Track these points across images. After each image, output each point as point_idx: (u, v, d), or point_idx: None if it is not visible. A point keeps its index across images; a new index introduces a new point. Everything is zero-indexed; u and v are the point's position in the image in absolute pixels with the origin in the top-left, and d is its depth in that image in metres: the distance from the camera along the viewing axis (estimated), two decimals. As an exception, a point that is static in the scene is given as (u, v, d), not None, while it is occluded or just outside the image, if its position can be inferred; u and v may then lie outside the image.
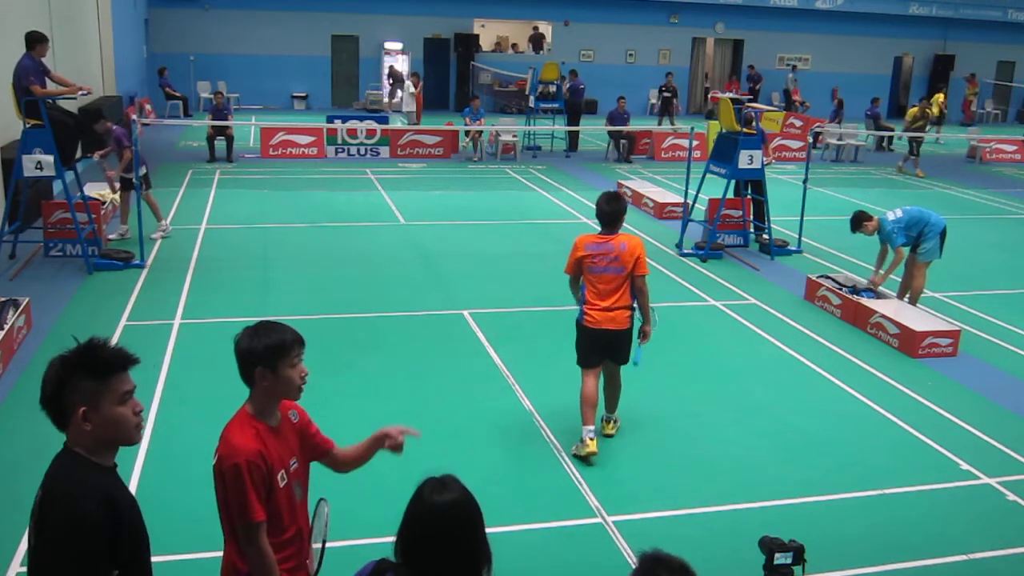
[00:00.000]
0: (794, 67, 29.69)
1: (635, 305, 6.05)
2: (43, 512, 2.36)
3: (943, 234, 9.19)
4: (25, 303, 7.95)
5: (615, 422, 6.45)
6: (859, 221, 9.29)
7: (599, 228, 6.09)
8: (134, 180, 10.75)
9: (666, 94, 25.68)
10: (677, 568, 2.30)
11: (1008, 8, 32.53)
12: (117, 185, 11.61)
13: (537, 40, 30.84)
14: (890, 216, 9.20)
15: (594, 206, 6.15)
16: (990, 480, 5.96)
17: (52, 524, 2.33)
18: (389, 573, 2.57)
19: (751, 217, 12.36)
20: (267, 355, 2.99)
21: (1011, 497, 5.77)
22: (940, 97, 25.28)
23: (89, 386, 2.39)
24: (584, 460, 5.98)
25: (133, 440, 2.53)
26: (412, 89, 23.73)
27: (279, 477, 3.00)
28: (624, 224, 6.18)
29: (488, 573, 2.55)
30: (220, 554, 3.16)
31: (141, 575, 2.55)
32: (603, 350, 6.10)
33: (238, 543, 2.99)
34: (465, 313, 8.89)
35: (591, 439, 5.95)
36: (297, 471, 3.15)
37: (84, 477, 2.39)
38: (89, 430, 2.40)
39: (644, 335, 6.08)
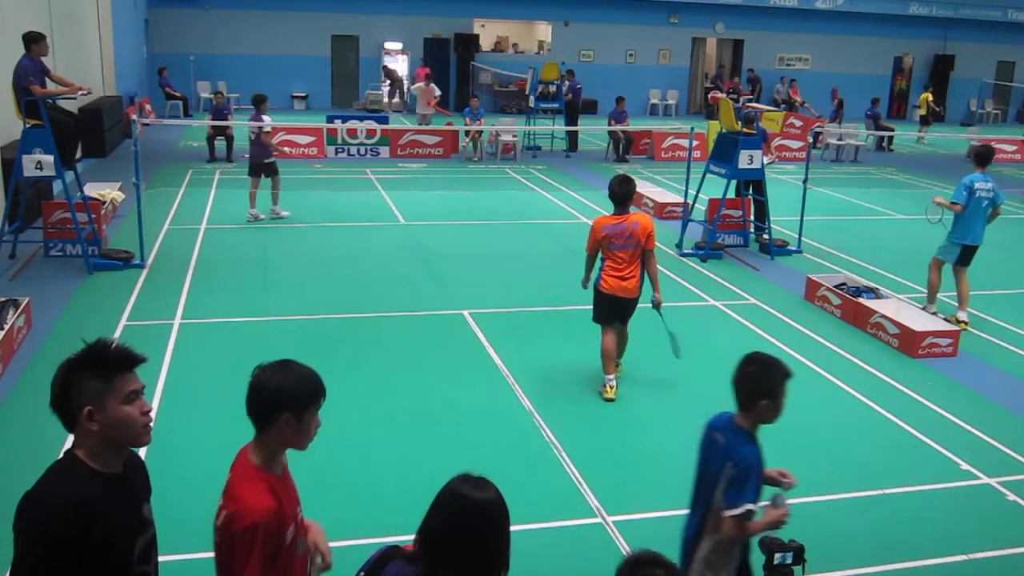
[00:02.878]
0: (782, 79, 29.64)
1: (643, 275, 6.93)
2: (18, 510, 2.36)
3: (966, 248, 9.16)
4: (25, 303, 7.95)
5: (619, 366, 7.34)
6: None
7: (612, 209, 6.93)
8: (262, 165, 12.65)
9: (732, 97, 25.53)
10: (649, 562, 2.32)
11: (1008, 8, 32.53)
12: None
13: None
14: (976, 175, 9.31)
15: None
16: (990, 480, 5.96)
17: (18, 525, 2.34)
18: (397, 561, 2.58)
19: (751, 217, 12.36)
20: (300, 401, 2.71)
21: (1011, 497, 5.77)
22: (928, 96, 25.41)
23: (95, 386, 2.37)
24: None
25: (140, 441, 2.46)
26: (423, 87, 23.43)
27: (288, 533, 2.71)
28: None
29: None
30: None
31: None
32: (615, 312, 7.01)
33: None
34: (465, 313, 8.89)
35: (612, 387, 7.00)
36: (300, 521, 2.87)
37: (65, 483, 2.36)
38: (95, 430, 2.38)
39: (656, 304, 7.01)
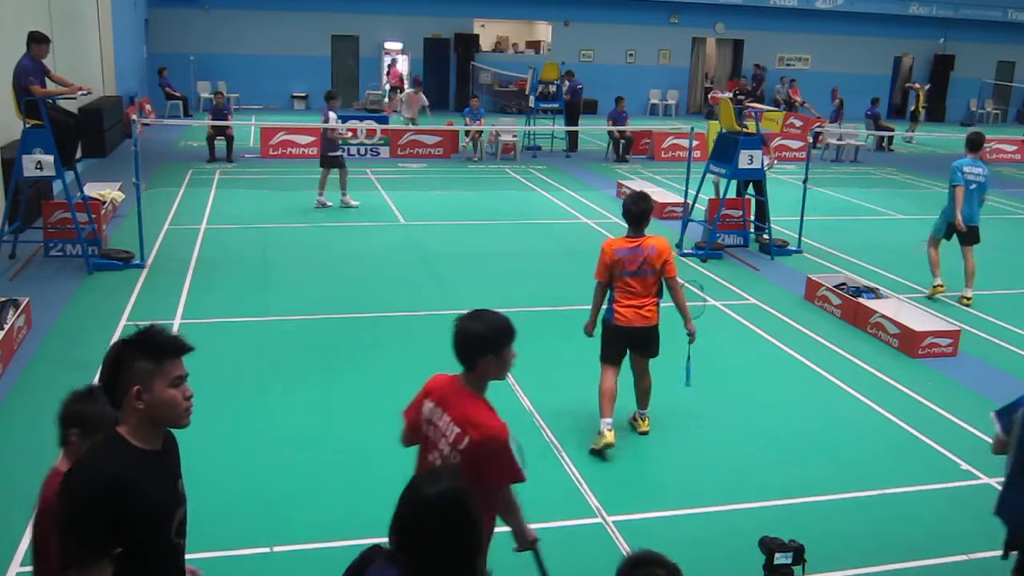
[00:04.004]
0: (782, 79, 29.66)
1: (660, 301, 6.18)
2: (61, 484, 2.49)
3: (951, 225, 9.83)
4: (25, 303, 7.95)
5: (648, 419, 6.48)
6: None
7: (625, 230, 6.17)
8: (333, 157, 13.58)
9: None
10: (650, 562, 2.33)
11: (1008, 8, 32.53)
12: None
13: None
14: (966, 160, 9.93)
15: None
16: (990, 480, 5.95)
17: (63, 495, 2.46)
18: (379, 560, 2.60)
19: (751, 217, 12.36)
20: (498, 343, 3.33)
21: (1011, 497, 5.76)
22: (920, 93, 25.58)
23: (145, 367, 2.52)
24: (600, 454, 6.06)
25: (181, 423, 2.62)
26: (411, 90, 23.62)
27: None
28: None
29: (482, 564, 2.57)
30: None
31: (156, 554, 2.58)
32: (630, 346, 6.22)
33: (498, 499, 3.34)
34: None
35: (608, 430, 6.06)
36: None
37: (108, 460, 2.49)
38: (141, 409, 2.52)
39: (690, 335, 6.17)
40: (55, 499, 2.63)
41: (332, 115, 13.92)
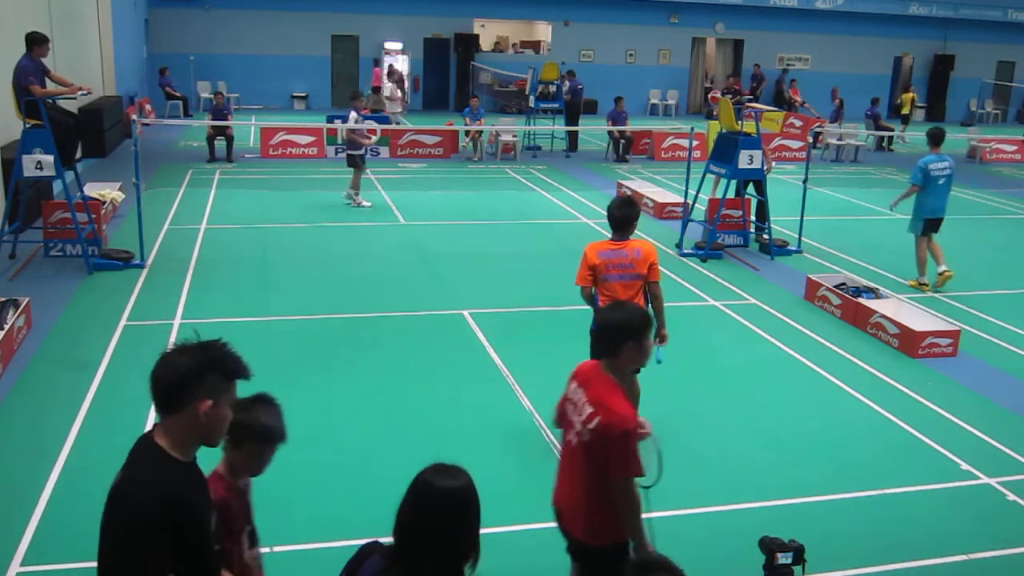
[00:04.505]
0: (787, 79, 29.72)
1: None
2: (112, 503, 2.46)
3: (928, 221, 10.28)
4: (25, 303, 7.95)
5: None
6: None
7: (610, 234, 5.96)
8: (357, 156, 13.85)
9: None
10: (657, 566, 2.33)
11: (1008, 8, 32.52)
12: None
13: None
14: (931, 156, 10.25)
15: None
16: (990, 480, 5.96)
17: (117, 516, 2.43)
18: (375, 555, 2.61)
19: (751, 217, 12.36)
20: (638, 331, 3.53)
21: (1011, 497, 5.77)
22: (911, 96, 25.68)
23: (219, 383, 2.51)
24: None
25: (217, 442, 2.63)
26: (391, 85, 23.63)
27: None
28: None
29: (472, 569, 2.57)
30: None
31: (206, 567, 2.60)
32: None
33: (616, 491, 3.43)
34: (465, 313, 8.89)
35: None
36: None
37: (158, 473, 2.46)
38: (203, 423, 2.49)
39: (662, 339, 5.93)
40: (216, 503, 2.73)
41: (353, 115, 14.11)
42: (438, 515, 2.51)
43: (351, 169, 14.11)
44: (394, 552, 2.55)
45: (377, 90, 26.26)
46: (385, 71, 27.38)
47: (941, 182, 10.17)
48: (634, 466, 3.41)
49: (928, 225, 10.26)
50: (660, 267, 5.97)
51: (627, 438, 3.40)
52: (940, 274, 10.29)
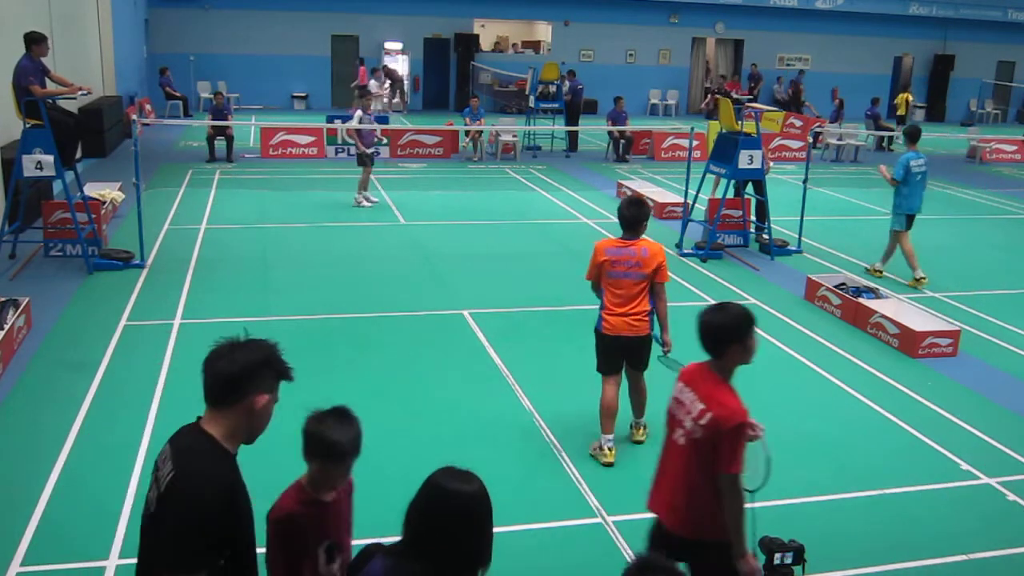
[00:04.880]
0: (779, 79, 29.81)
1: (652, 310, 5.95)
2: (171, 488, 2.50)
3: (909, 217, 10.56)
4: (25, 303, 7.95)
5: (644, 428, 6.30)
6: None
7: (620, 233, 5.96)
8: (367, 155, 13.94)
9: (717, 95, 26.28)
10: (655, 567, 2.33)
11: (1008, 8, 32.52)
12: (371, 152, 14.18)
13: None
14: (911, 154, 10.50)
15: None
16: (990, 480, 5.96)
17: (177, 501, 2.48)
18: (379, 556, 2.60)
19: (751, 217, 12.36)
20: (742, 331, 3.77)
21: (1011, 497, 5.77)
22: (908, 96, 25.71)
23: (272, 381, 2.63)
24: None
25: (255, 439, 2.70)
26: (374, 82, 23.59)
27: None
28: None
29: (483, 573, 2.56)
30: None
31: (249, 559, 2.68)
32: (622, 357, 6.03)
33: (722, 487, 3.53)
34: (465, 313, 8.89)
35: (610, 449, 5.95)
36: None
37: (213, 463, 2.54)
38: (253, 417, 2.60)
39: (665, 344, 5.90)
40: (278, 515, 2.82)
41: (358, 113, 14.11)
42: (454, 519, 2.49)
43: (359, 168, 14.26)
44: (405, 552, 2.53)
45: (363, 89, 26.28)
46: (383, 72, 27.41)
47: (918, 178, 10.47)
48: (739, 462, 3.52)
49: (909, 220, 10.53)
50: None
51: (738, 433, 3.54)
52: (916, 278, 10.58)
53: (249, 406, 2.57)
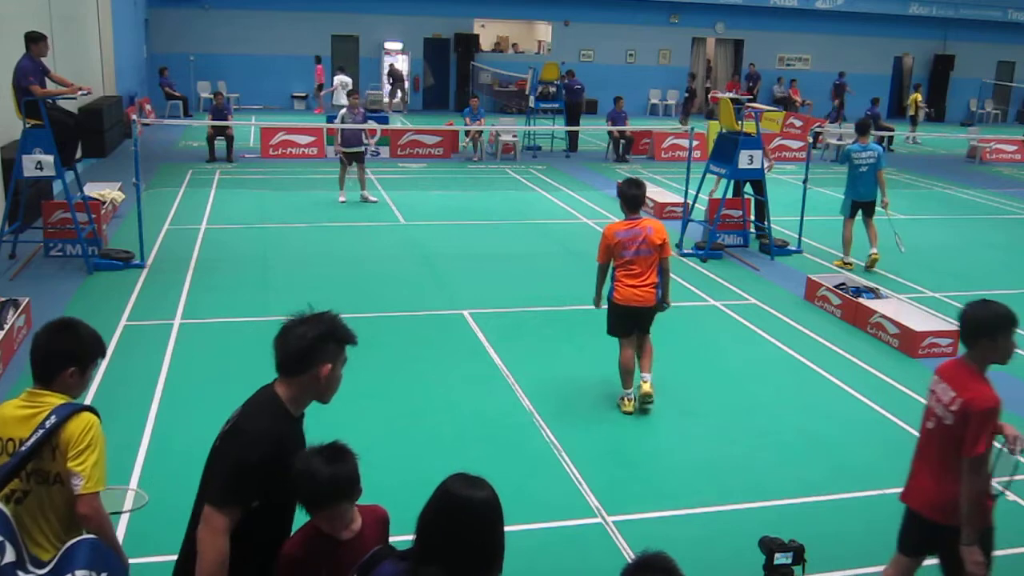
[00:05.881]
0: (779, 79, 29.81)
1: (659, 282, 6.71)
2: (226, 436, 2.88)
3: (855, 202, 11.18)
4: (25, 303, 7.95)
5: (649, 382, 6.83)
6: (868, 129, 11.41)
7: (624, 215, 6.74)
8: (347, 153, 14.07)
9: (686, 94, 26.47)
10: (653, 567, 2.32)
11: (1008, 8, 32.51)
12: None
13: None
14: (854, 146, 11.25)
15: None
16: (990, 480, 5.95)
17: (229, 445, 2.85)
18: (390, 560, 2.59)
19: (751, 217, 12.36)
20: (994, 327, 3.79)
21: (1011, 497, 5.76)
22: (918, 97, 25.65)
23: (336, 351, 2.94)
24: (643, 410, 6.81)
25: (329, 400, 3.04)
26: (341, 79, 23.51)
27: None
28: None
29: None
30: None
31: (287, 512, 2.96)
32: (633, 323, 6.73)
33: (963, 470, 3.74)
34: (465, 313, 8.89)
35: (629, 400, 6.78)
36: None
37: (270, 422, 2.86)
38: (320, 383, 2.93)
39: (663, 307, 6.79)
40: (285, 555, 2.92)
41: (342, 112, 14.42)
42: (467, 526, 2.49)
43: (362, 166, 14.48)
44: (419, 557, 2.53)
45: (320, 88, 26.20)
46: (385, 71, 27.41)
47: (863, 169, 10.98)
48: (982, 445, 3.66)
49: (855, 206, 11.11)
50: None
51: (987, 417, 3.70)
52: (870, 255, 10.99)
53: (315, 375, 2.90)
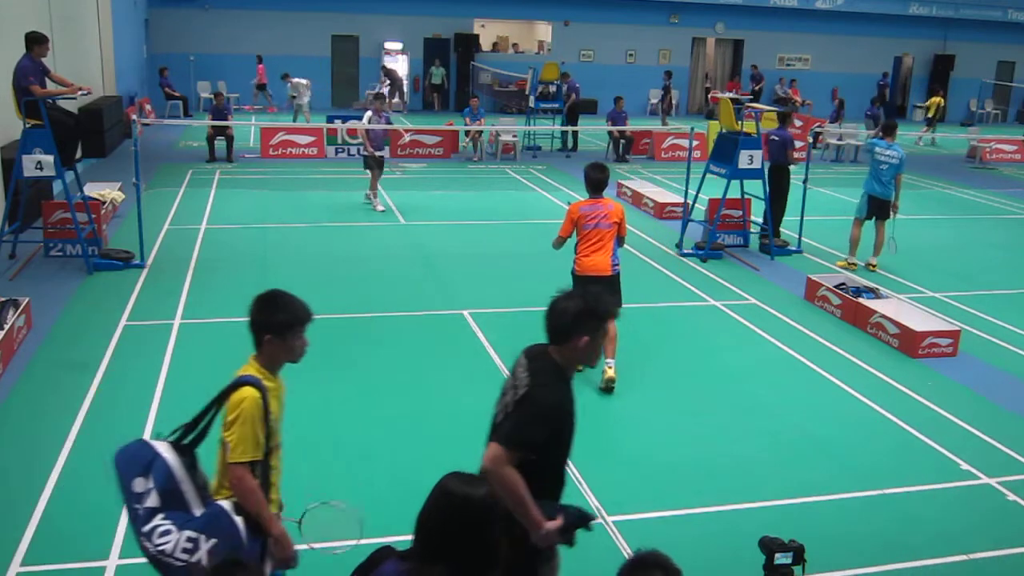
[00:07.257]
0: (781, 79, 29.86)
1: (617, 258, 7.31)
2: (527, 397, 3.36)
3: (871, 198, 11.15)
4: (25, 303, 7.95)
5: (612, 367, 7.11)
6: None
7: (588, 194, 7.52)
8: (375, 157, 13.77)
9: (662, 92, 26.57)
10: (650, 564, 2.32)
11: (1008, 8, 32.51)
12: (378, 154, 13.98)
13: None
14: (879, 141, 11.16)
15: (583, 177, 7.66)
16: (990, 480, 5.96)
17: (529, 402, 3.34)
18: (390, 560, 2.59)
19: (751, 217, 12.35)
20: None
21: (1011, 497, 5.77)
22: (939, 101, 25.55)
23: (595, 324, 3.41)
24: (607, 390, 7.04)
25: (592, 363, 3.55)
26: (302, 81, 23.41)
27: None
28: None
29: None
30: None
31: (560, 466, 3.55)
32: None
33: None
34: (465, 313, 8.89)
35: (609, 367, 7.07)
36: None
37: (557, 384, 3.41)
38: (582, 351, 3.41)
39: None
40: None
41: (368, 114, 14.09)
42: (466, 523, 2.49)
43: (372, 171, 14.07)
44: (421, 556, 2.53)
45: (263, 87, 26.07)
46: (383, 72, 27.37)
47: (883, 167, 10.96)
48: None
49: (870, 210, 11.12)
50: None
51: None
52: (868, 261, 11.17)
53: (575, 345, 3.39)
